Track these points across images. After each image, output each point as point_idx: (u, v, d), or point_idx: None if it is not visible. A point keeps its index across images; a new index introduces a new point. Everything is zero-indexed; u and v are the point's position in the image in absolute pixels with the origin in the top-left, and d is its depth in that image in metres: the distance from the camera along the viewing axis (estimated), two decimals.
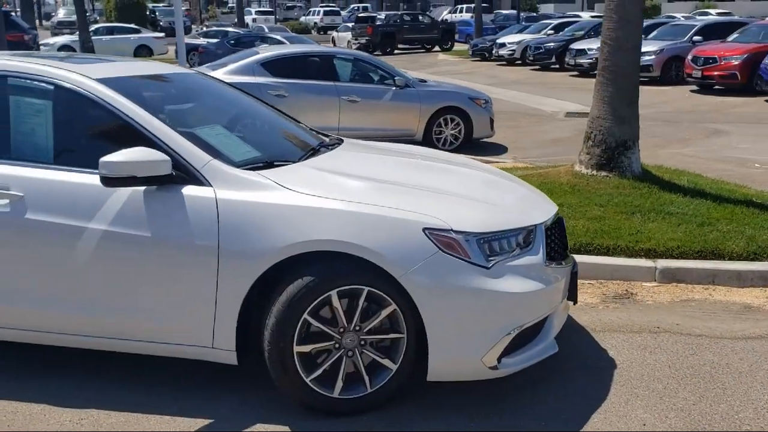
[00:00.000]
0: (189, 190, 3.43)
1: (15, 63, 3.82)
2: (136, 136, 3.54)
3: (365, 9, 47.96)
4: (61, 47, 27.15)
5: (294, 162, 3.85)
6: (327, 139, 4.64)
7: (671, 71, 19.94)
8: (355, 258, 3.29)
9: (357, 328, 3.38)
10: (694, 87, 18.76)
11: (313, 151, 4.18)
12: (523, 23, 32.20)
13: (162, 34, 30.79)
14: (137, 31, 29.11)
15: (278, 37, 20.31)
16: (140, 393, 3.66)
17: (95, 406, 3.53)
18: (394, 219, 3.31)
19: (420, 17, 35.71)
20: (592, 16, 35.52)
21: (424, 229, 3.29)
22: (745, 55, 17.57)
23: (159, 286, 3.44)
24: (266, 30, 33.16)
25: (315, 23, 44.61)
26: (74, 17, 38.10)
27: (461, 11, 42.99)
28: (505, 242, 3.42)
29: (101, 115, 3.68)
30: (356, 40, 33.33)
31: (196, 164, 3.48)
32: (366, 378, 3.41)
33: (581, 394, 3.69)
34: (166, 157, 3.40)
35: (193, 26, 38.83)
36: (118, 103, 3.61)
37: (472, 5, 43.38)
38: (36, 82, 3.73)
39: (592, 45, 22.61)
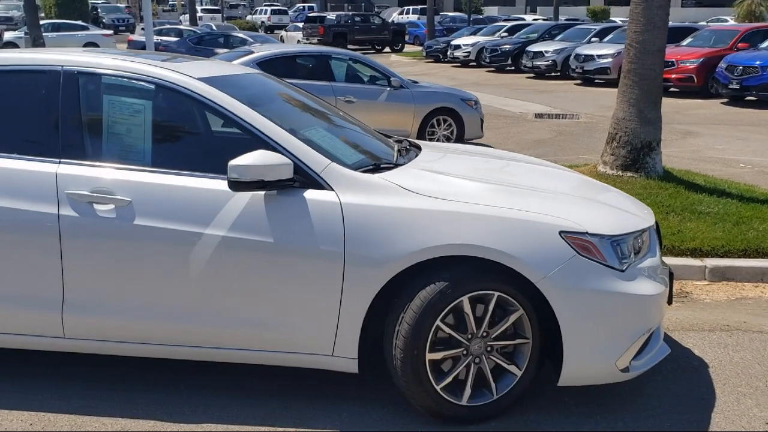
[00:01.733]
0: (311, 195, 3.32)
1: (112, 61, 3.62)
2: (250, 139, 3.41)
3: (311, 9, 47.66)
4: (4, 44, 26.04)
5: (398, 165, 3.76)
6: (400, 141, 4.56)
7: None
8: (487, 262, 3.23)
9: (484, 333, 3.33)
10: None
11: (404, 153, 4.11)
12: (475, 26, 32.50)
13: (110, 32, 29.91)
14: (85, 28, 28.14)
15: (243, 36, 19.95)
16: (244, 404, 3.53)
17: (208, 420, 3.38)
18: (530, 222, 3.27)
19: (371, 18, 35.70)
20: (535, 19, 36.26)
21: (560, 233, 3.26)
22: (701, 59, 18.19)
23: (280, 294, 3.32)
24: (214, 28, 32.55)
25: (262, 22, 44.06)
26: (11, 12, 36.71)
27: (407, 12, 43.14)
28: (631, 244, 3.42)
29: (208, 117, 3.53)
30: (307, 39, 33.08)
31: (315, 168, 3.36)
32: (492, 384, 3.37)
33: (692, 395, 3.72)
34: (289, 161, 3.28)
35: (138, 24, 37.85)
36: (227, 104, 3.46)
37: (418, 7, 43.71)
38: (135, 82, 3.55)
39: (549, 47, 23.11)
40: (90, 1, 42.88)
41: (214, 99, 3.47)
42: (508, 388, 3.39)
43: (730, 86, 16.64)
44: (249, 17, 44.72)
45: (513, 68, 24.94)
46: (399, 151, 4.15)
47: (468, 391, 3.34)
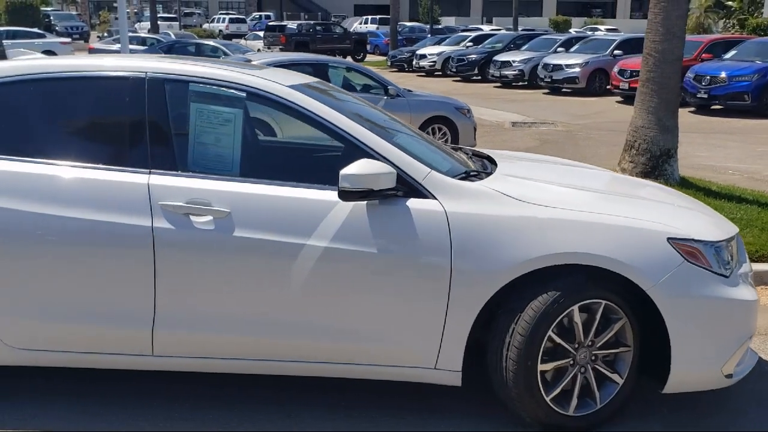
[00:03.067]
0: (414, 204, 3.25)
1: (199, 68, 3.50)
2: (348, 147, 3.34)
3: (267, 17, 47.35)
4: None
5: (487, 172, 3.72)
6: (460, 148, 4.52)
7: (595, 83, 20.86)
8: (597, 270, 3.22)
9: (590, 343, 3.31)
10: (619, 98, 19.66)
11: (486, 161, 4.07)
12: (437, 36, 32.71)
13: (68, 39, 29.09)
14: (41, 36, 27.36)
15: (214, 44, 19.66)
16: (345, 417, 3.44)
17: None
18: (639, 229, 3.27)
19: (332, 27, 35.65)
20: (493, 29, 36.66)
21: (668, 239, 3.26)
22: None
23: (384, 306, 3.24)
24: (172, 36, 32.05)
25: (220, 31, 43.59)
26: None
27: (366, 22, 43.20)
28: (729, 250, 3.45)
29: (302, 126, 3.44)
30: (269, 48, 32.84)
31: (416, 176, 3.30)
32: (596, 393, 3.35)
33: None
34: (393, 170, 3.22)
35: (92, 32, 37.09)
36: (323, 113, 3.38)
37: (377, 16, 43.83)
38: (225, 90, 3.43)
39: (516, 57, 23.40)
40: (42, 8, 41.96)
41: (309, 107, 3.38)
42: (610, 397, 3.37)
43: (698, 95, 17.07)
44: (206, 26, 44.25)
45: (479, 78, 25.20)
46: (470, 158, 4.12)
47: (575, 401, 3.31)
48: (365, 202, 3.21)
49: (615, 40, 21.91)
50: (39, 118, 3.49)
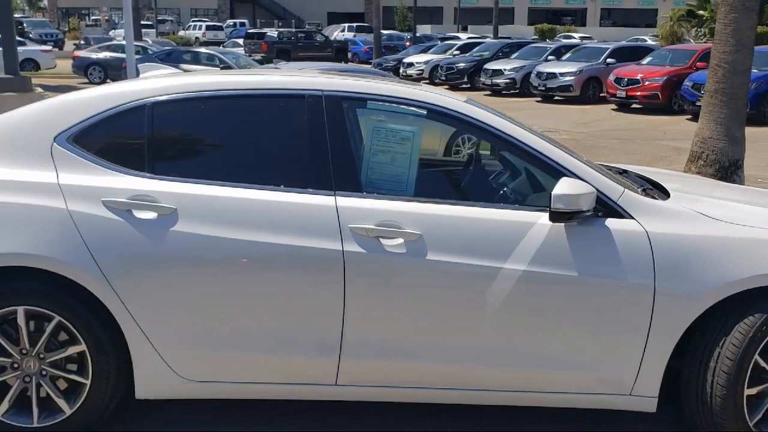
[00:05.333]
0: (613, 224, 3.14)
1: (376, 85, 3.36)
2: (540, 167, 3.23)
3: (242, 24, 46.96)
4: None
5: (664, 191, 3.62)
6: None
7: (589, 91, 21.04)
8: None
9: None
10: (614, 106, 19.84)
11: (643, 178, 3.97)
12: (420, 44, 32.74)
13: (50, 47, 28.49)
14: (22, 44, 26.71)
15: (210, 52, 19.32)
16: None
17: None
18: None
19: (314, 35, 35.45)
20: (469, 38, 36.81)
21: None
22: (665, 77, 18.85)
23: (584, 331, 3.13)
24: (150, 43, 31.54)
25: (197, 38, 43.02)
26: None
27: (345, 30, 43.08)
28: None
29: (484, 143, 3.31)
30: (250, 56, 32.48)
31: (612, 196, 3.20)
32: None
33: None
34: (594, 190, 3.10)
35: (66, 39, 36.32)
36: (511, 131, 3.27)
37: (353, 24, 43.76)
38: (405, 107, 3.30)
39: (507, 65, 23.49)
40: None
41: (499, 126, 3.26)
42: None
43: (698, 103, 17.22)
44: (182, 33, 43.68)
45: (468, 86, 25.23)
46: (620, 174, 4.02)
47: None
48: (563, 223, 3.09)
49: (607, 49, 22.13)
50: (213, 137, 3.32)
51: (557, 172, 3.18)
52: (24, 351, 3.15)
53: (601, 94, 20.75)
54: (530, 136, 3.26)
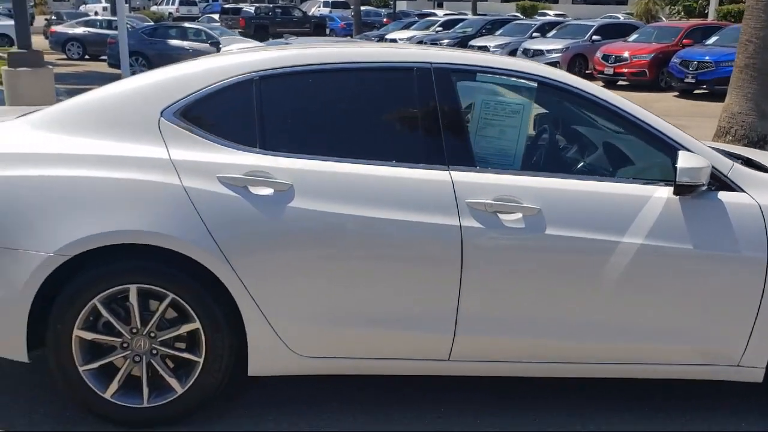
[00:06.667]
0: (725, 197, 3.18)
1: (487, 58, 3.35)
2: (653, 141, 3.24)
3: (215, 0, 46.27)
4: None
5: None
6: None
7: (575, 68, 21.10)
8: None
9: None
10: (601, 83, 19.96)
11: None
12: (400, 20, 32.53)
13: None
14: None
15: (198, 27, 18.98)
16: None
17: None
18: None
19: (291, 10, 35.03)
20: (446, 14, 36.69)
21: None
22: (652, 54, 19.02)
23: (698, 304, 3.18)
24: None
25: (170, 13, 42.21)
26: None
27: (324, 5, 42.57)
28: None
29: (593, 117, 3.32)
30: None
31: (723, 169, 3.23)
32: None
33: None
34: (709, 163, 3.12)
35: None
36: (621, 104, 3.28)
37: (329, 0, 43.29)
38: (515, 79, 3.29)
39: (492, 42, 23.50)
40: None
41: (612, 101, 3.26)
42: None
43: (686, 80, 17.49)
44: (154, 8, 42.81)
45: None
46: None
47: None
48: (678, 197, 3.11)
49: (593, 26, 22.26)
50: (321, 111, 3.27)
51: (671, 147, 3.19)
52: (134, 330, 3.09)
53: (587, 71, 20.86)
54: (644, 111, 3.27)
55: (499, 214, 3.06)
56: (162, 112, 3.12)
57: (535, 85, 3.28)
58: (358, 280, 3.07)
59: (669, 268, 3.13)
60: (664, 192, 3.13)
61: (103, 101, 3.19)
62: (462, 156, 3.14)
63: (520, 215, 3.06)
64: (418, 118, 3.17)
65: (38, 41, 29.06)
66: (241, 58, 3.28)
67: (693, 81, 17.34)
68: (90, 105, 3.19)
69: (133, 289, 3.02)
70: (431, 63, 3.22)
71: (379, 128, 3.28)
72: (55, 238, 2.93)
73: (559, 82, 3.28)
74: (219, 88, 3.16)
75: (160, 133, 3.09)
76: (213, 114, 3.15)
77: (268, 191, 3.02)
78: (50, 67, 9.05)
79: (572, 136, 3.59)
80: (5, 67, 8.59)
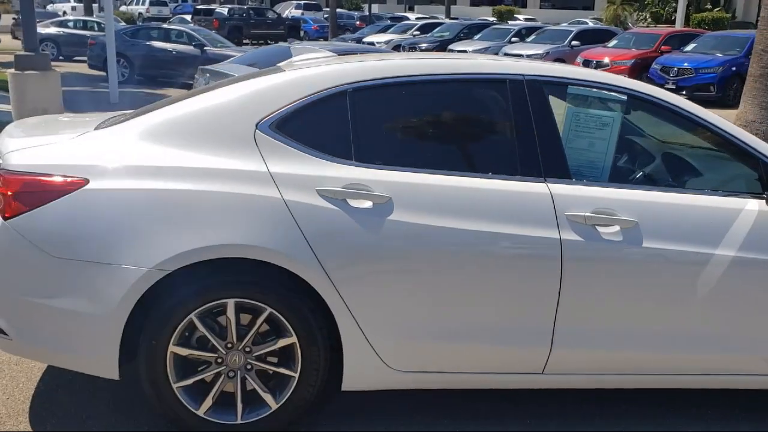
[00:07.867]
0: None
1: (578, 71, 3.37)
2: (733, 151, 3.31)
3: (185, 0, 45.73)
4: None
5: None
6: None
7: None
8: None
9: None
10: None
11: None
12: (376, 24, 32.55)
13: None
14: None
15: (181, 29, 18.71)
16: None
17: None
18: None
19: (265, 12, 34.77)
20: (418, 18, 36.83)
21: None
22: (633, 60, 19.34)
23: None
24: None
25: (140, 14, 41.59)
26: None
27: (296, 8, 42.30)
28: None
29: (680, 129, 3.36)
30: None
31: None
32: None
33: None
34: None
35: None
36: (712, 118, 3.31)
37: (301, 2, 43.10)
38: (606, 92, 3.31)
39: (471, 47, 23.61)
40: None
41: (702, 116, 3.32)
42: None
43: (666, 86, 17.75)
44: (123, 8, 42.10)
45: None
46: None
47: None
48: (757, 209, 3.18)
49: (572, 31, 22.54)
50: (415, 123, 3.26)
51: (758, 160, 3.24)
52: (229, 345, 3.03)
53: None
54: (729, 124, 3.32)
55: (597, 227, 3.07)
56: (257, 125, 3.07)
57: (625, 97, 3.31)
58: (456, 294, 3.05)
59: (758, 280, 3.17)
60: (755, 205, 3.18)
61: (197, 114, 3.13)
62: (558, 168, 3.15)
63: (617, 228, 3.08)
64: (512, 129, 3.17)
65: (7, 41, 28.44)
66: (334, 69, 3.24)
67: (673, 87, 17.62)
68: (185, 118, 3.12)
69: (231, 303, 2.97)
70: (524, 75, 3.23)
71: (471, 140, 3.27)
72: (154, 253, 2.86)
73: (647, 95, 3.30)
74: (313, 99, 3.12)
75: (256, 146, 3.04)
76: (307, 126, 3.11)
77: (367, 204, 2.99)
78: (57, 70, 8.85)
79: (658, 149, 3.62)
80: (12, 70, 8.38)
